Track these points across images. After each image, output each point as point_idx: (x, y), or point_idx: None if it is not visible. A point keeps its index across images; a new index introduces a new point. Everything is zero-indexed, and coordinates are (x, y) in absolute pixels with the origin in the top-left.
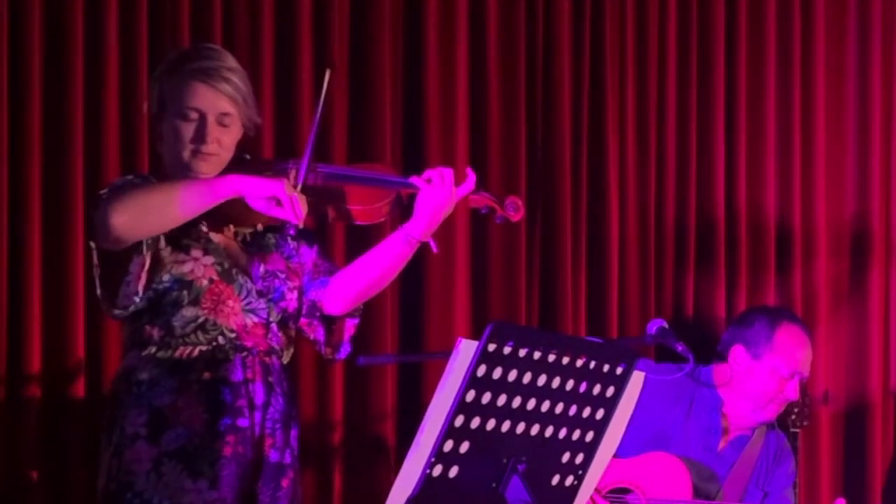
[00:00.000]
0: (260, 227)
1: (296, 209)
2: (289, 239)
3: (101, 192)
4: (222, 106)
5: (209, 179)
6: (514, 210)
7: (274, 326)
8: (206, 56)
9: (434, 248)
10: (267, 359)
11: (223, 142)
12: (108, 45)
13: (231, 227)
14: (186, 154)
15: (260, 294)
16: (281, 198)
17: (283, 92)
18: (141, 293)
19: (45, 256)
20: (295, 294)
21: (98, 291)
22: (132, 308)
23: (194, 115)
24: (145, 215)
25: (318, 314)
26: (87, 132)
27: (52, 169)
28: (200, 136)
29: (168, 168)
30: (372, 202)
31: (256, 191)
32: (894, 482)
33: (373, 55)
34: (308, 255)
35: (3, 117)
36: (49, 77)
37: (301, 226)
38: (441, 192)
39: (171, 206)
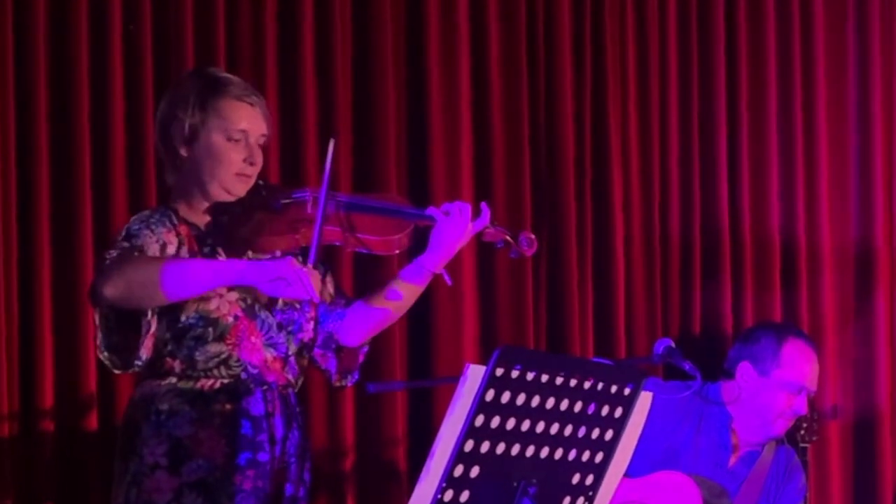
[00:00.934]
0: (279, 253)
1: (307, 287)
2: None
3: (107, 252)
4: (263, 128)
5: (207, 264)
6: (528, 245)
7: (291, 359)
8: (236, 81)
9: (448, 280)
10: (285, 392)
11: (259, 164)
12: (114, 75)
13: (249, 253)
14: (229, 176)
15: (280, 327)
16: (289, 278)
17: (288, 128)
18: (145, 357)
19: (56, 290)
20: (311, 325)
21: (100, 350)
22: (132, 370)
23: (240, 137)
24: (133, 293)
25: (333, 345)
26: (94, 163)
27: (62, 202)
28: (251, 158)
29: (185, 190)
30: (391, 233)
31: (261, 276)
32: None
33: (376, 84)
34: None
35: (9, 152)
36: (54, 110)
37: (317, 301)
38: (459, 226)
39: (155, 290)
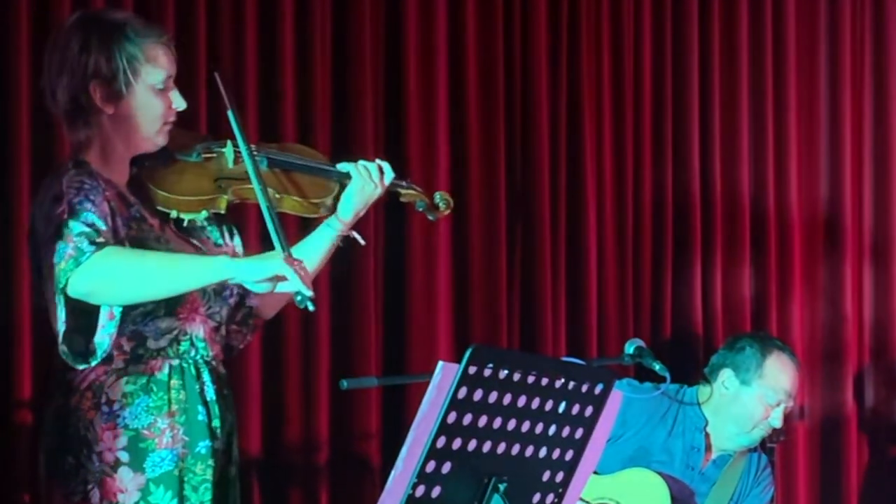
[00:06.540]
0: (205, 213)
1: (305, 279)
2: (206, 224)
3: (70, 240)
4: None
5: (196, 263)
6: (446, 205)
7: (222, 329)
8: (140, 21)
9: (361, 240)
10: (221, 369)
11: (183, 105)
12: None
13: (174, 212)
14: (157, 127)
15: (216, 294)
16: (286, 274)
17: (267, 119)
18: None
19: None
20: (235, 288)
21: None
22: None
23: (165, 84)
24: (122, 296)
25: (251, 322)
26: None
27: None
28: (176, 103)
29: (103, 147)
30: (321, 195)
31: (254, 275)
32: (870, 496)
33: (355, 84)
34: (231, 247)
35: None
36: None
37: (310, 294)
38: (371, 183)
39: (146, 291)
